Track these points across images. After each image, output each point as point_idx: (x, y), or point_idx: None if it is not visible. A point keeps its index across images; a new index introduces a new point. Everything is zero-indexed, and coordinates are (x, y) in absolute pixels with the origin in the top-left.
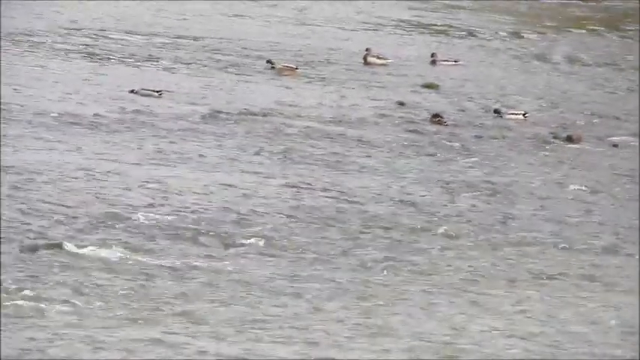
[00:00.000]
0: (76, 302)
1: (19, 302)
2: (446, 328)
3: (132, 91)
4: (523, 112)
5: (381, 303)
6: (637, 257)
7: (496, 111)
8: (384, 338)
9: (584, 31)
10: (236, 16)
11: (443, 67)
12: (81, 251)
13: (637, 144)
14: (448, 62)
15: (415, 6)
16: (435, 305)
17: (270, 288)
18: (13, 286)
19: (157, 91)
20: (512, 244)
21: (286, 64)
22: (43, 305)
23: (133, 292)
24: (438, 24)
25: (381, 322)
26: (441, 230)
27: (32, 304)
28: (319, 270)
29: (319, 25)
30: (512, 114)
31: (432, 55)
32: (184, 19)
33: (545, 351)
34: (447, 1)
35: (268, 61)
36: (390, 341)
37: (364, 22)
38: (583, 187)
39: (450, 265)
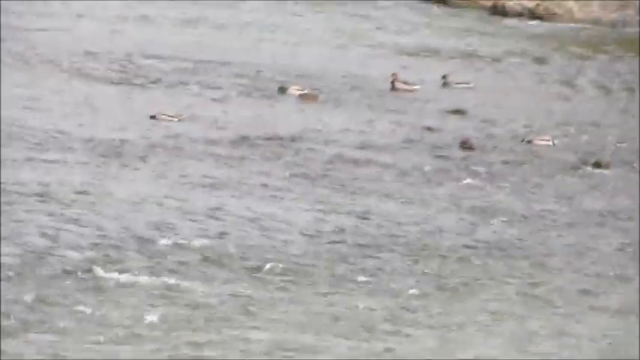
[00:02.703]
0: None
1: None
2: None
3: (152, 117)
4: (552, 139)
5: (410, 332)
6: None
7: (528, 141)
8: None
9: (607, 56)
10: (261, 40)
11: (459, 91)
12: (109, 276)
13: None
14: (461, 85)
15: (438, 31)
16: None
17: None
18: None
19: (177, 117)
20: (544, 269)
21: (304, 91)
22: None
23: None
24: (460, 48)
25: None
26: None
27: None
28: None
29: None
30: (541, 140)
31: (444, 77)
32: (209, 43)
33: None
34: (468, 25)
35: (280, 88)
36: None
37: (373, 47)
38: (614, 214)
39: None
